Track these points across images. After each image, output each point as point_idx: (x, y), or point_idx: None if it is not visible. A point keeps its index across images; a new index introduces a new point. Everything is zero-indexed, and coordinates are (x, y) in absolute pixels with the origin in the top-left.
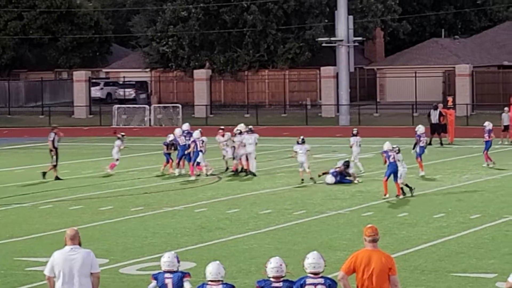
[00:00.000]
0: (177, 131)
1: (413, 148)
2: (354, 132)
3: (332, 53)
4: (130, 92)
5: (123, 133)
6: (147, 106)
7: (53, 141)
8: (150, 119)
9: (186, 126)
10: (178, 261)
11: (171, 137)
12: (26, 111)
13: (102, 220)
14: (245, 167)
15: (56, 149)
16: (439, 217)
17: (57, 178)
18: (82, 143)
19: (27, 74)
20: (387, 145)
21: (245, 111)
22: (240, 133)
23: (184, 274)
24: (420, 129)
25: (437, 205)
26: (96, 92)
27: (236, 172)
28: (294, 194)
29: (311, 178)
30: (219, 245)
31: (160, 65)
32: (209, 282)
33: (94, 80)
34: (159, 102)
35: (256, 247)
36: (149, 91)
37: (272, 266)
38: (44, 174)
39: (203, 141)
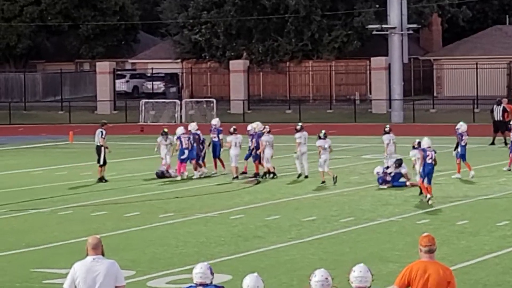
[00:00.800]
0: (179, 130)
1: (455, 149)
2: (387, 129)
3: (383, 42)
4: (159, 85)
5: (166, 129)
6: (177, 101)
7: (104, 138)
8: (181, 116)
9: (193, 126)
10: (212, 273)
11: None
12: (43, 106)
13: (128, 228)
14: (270, 169)
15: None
16: (503, 225)
17: (101, 179)
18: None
19: (44, 65)
20: (426, 142)
21: (287, 107)
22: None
23: None
24: (462, 127)
25: (501, 211)
26: (122, 85)
27: (256, 175)
28: (341, 199)
29: (334, 177)
30: (257, 255)
31: (192, 56)
32: None
33: (119, 72)
34: (191, 97)
35: (299, 258)
36: (180, 84)
37: (317, 280)
38: (101, 178)
39: (200, 138)
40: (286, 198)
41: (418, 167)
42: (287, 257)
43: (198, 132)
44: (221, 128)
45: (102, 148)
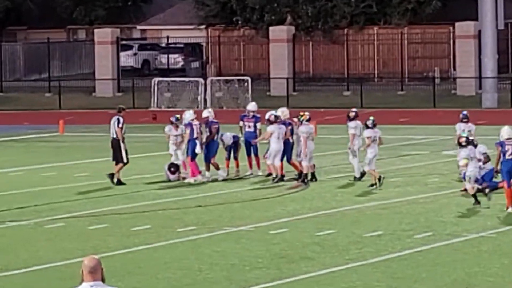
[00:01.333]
0: (187, 114)
1: None
2: (462, 116)
3: (472, 3)
4: (176, 60)
5: (178, 116)
6: (201, 80)
7: (122, 128)
8: (205, 99)
9: (207, 113)
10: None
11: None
12: (25, 87)
13: (136, 246)
14: (306, 170)
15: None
16: None
17: (118, 182)
18: (107, 133)
19: (27, 33)
20: (506, 132)
21: (344, 87)
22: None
23: None
24: None
25: None
26: (128, 59)
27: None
28: (416, 209)
29: (378, 179)
30: (305, 282)
31: (220, 20)
32: None
33: (124, 42)
34: (219, 74)
35: (360, 285)
36: (205, 57)
37: None
38: (112, 177)
39: (219, 129)
40: (343, 207)
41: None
42: (345, 284)
43: (216, 121)
44: (258, 115)
45: (120, 141)
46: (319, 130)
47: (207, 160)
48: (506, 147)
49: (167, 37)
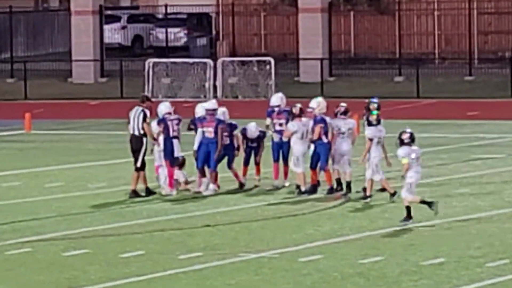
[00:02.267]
0: (162, 107)
1: None
2: None
3: None
4: (177, 35)
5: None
6: (209, 62)
7: (148, 125)
8: (215, 86)
9: (212, 104)
10: None
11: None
12: None
13: (125, 277)
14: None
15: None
16: None
17: (148, 191)
18: (88, 130)
19: None
20: None
21: (396, 71)
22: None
23: None
24: None
25: None
26: (114, 34)
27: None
28: (488, 229)
29: (392, 194)
30: None
31: None
32: None
33: (110, 12)
34: (233, 54)
35: None
36: (214, 32)
37: None
38: (148, 191)
39: (232, 127)
40: (393, 227)
41: None
42: None
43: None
44: (287, 109)
45: (145, 140)
46: (362, 127)
47: (229, 166)
48: None
49: (165, 6)
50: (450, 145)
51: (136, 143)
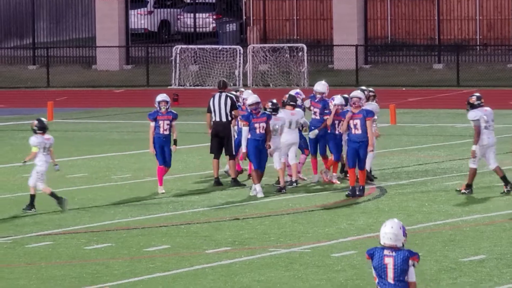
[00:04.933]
0: (159, 97)
1: None
2: None
3: None
4: (206, 20)
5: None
6: (239, 48)
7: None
8: (246, 72)
9: (254, 98)
10: (405, 234)
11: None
12: (1, 57)
13: (150, 273)
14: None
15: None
16: None
17: (235, 181)
18: (112, 119)
19: None
20: None
21: (435, 58)
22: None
23: (413, 255)
24: None
25: None
26: (140, 19)
27: None
28: None
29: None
30: None
31: None
32: None
33: None
34: (263, 40)
35: None
36: (244, 18)
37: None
38: (236, 182)
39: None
40: (432, 222)
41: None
42: None
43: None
44: (327, 100)
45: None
46: (398, 116)
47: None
48: None
49: None
50: (498, 135)
51: (225, 130)
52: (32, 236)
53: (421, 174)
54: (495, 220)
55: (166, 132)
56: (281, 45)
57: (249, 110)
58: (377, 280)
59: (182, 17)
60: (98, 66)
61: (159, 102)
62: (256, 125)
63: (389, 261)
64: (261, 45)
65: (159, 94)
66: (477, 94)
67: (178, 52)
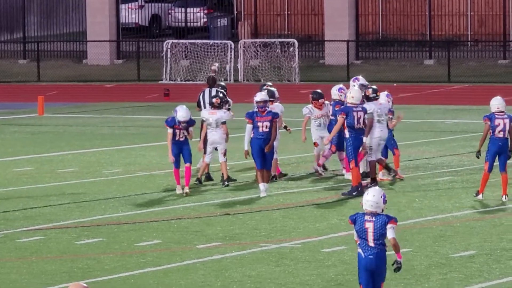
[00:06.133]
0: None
1: None
2: None
3: None
4: (197, 15)
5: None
6: (230, 43)
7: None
8: (238, 68)
9: (262, 96)
10: (385, 201)
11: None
12: None
13: (141, 267)
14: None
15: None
16: None
17: (208, 177)
18: (103, 114)
19: None
20: (498, 102)
21: (426, 53)
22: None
23: (390, 219)
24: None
25: None
26: (131, 14)
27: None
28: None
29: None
30: None
31: None
32: None
33: None
34: (255, 35)
35: None
36: (235, 12)
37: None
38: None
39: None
40: (422, 218)
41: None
42: None
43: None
44: (339, 100)
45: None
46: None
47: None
48: (497, 121)
49: None
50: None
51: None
52: (23, 231)
53: (411, 169)
54: (485, 216)
55: (182, 139)
56: (272, 40)
57: (256, 108)
58: (358, 242)
59: (173, 11)
60: (89, 60)
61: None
62: (260, 123)
63: (369, 226)
64: (252, 40)
65: (179, 107)
66: (374, 87)
67: (169, 46)
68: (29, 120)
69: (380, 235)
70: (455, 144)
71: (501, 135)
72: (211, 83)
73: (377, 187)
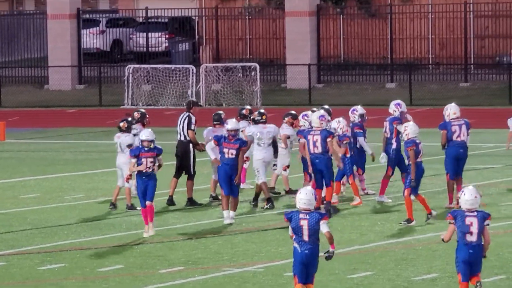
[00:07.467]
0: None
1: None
2: None
3: None
4: (159, 39)
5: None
6: (191, 67)
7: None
8: (199, 92)
9: (234, 124)
10: (316, 199)
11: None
12: None
13: None
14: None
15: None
16: None
17: (190, 201)
18: (65, 139)
19: None
20: (454, 109)
21: (387, 77)
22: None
23: (323, 216)
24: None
25: None
26: (93, 39)
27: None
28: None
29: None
30: None
31: None
32: None
33: (87, 16)
34: (216, 60)
35: None
36: (197, 37)
37: (467, 199)
38: (192, 201)
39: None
40: (385, 241)
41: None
42: None
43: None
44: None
45: (191, 147)
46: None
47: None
48: (453, 128)
49: (146, 9)
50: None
51: (181, 149)
52: None
53: (375, 192)
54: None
55: (149, 170)
56: (234, 64)
57: (226, 134)
58: (294, 237)
59: (134, 36)
60: (50, 86)
61: (142, 141)
62: (225, 149)
63: (304, 223)
64: (214, 64)
65: (143, 131)
66: (261, 110)
67: (130, 71)
68: None
69: (314, 231)
70: None
71: (459, 139)
72: (186, 107)
73: (308, 187)
